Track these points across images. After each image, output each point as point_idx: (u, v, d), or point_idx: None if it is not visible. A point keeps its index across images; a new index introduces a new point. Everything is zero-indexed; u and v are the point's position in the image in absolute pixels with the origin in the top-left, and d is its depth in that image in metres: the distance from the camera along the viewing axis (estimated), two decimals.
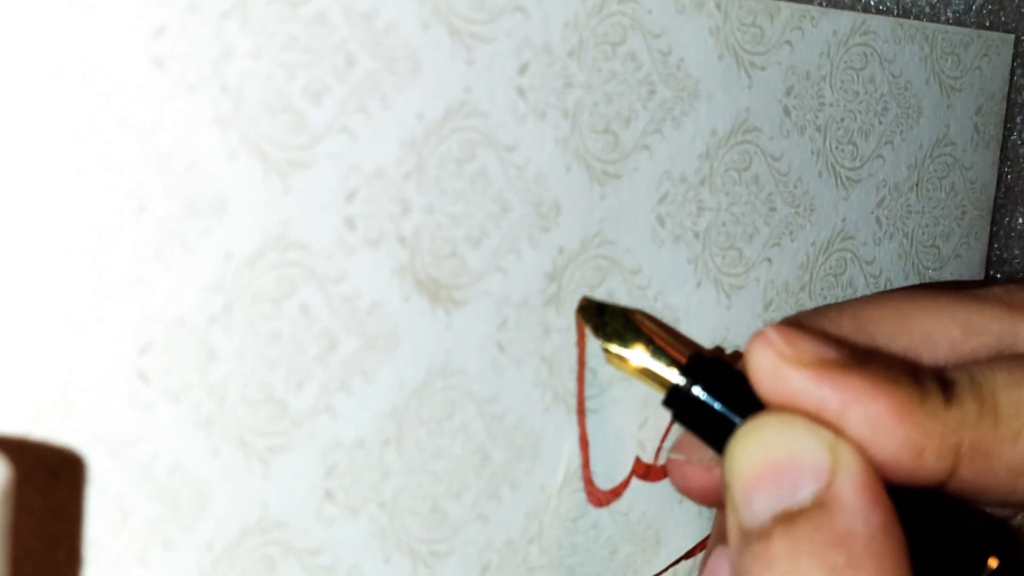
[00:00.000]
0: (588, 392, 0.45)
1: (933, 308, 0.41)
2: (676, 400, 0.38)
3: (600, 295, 0.45)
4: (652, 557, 0.48)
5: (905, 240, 0.57)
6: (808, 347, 0.35)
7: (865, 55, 0.53)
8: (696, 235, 0.48)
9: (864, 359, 0.35)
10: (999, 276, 0.65)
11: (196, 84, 0.34)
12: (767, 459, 0.33)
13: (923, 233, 0.58)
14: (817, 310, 0.42)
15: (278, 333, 0.36)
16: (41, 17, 0.31)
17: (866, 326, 0.41)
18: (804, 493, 0.33)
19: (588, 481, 0.45)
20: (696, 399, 0.37)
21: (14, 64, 0.31)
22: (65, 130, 0.32)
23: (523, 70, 0.41)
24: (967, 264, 0.61)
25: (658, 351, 0.39)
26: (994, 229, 0.64)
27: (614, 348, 0.40)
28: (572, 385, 0.44)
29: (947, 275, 0.60)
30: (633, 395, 0.46)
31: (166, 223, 0.34)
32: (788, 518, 0.33)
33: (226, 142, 0.34)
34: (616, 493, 0.46)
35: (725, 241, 0.49)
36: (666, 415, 0.48)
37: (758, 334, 0.35)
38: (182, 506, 0.35)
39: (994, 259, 0.65)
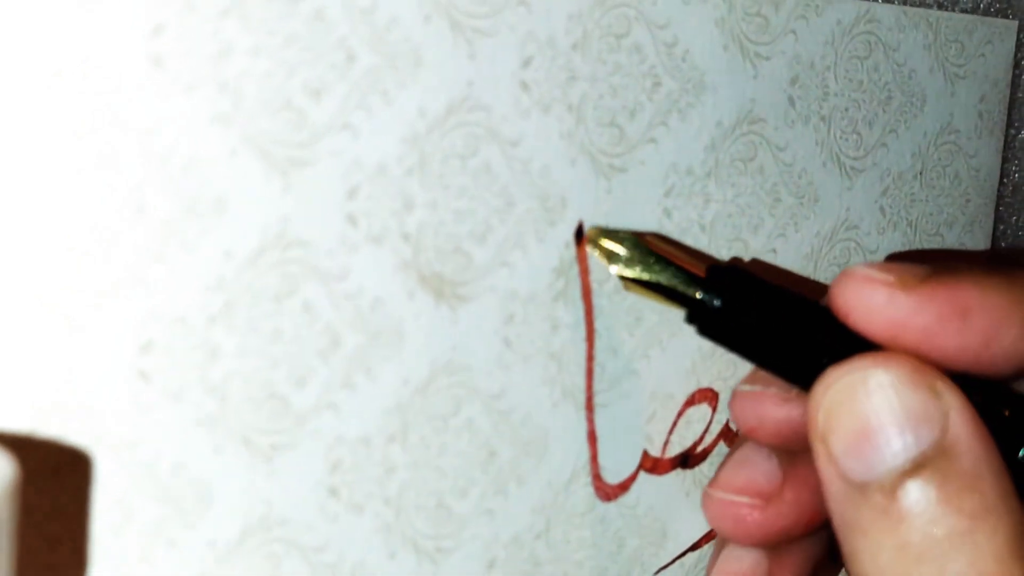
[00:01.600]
0: (597, 387, 0.45)
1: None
2: (702, 317, 0.38)
3: (608, 289, 0.44)
4: (659, 550, 0.48)
5: (909, 229, 0.57)
6: (906, 271, 0.35)
7: (869, 44, 0.53)
8: (703, 227, 0.47)
9: (951, 270, 0.35)
10: None
11: (195, 83, 0.34)
12: (876, 412, 0.33)
13: (927, 222, 0.58)
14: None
15: (280, 331, 0.36)
16: (39, 17, 0.31)
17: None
18: (923, 443, 0.32)
19: (596, 476, 0.45)
20: (728, 315, 0.37)
21: (13, 64, 0.31)
22: (64, 130, 0.32)
23: (527, 64, 0.41)
24: None
25: (676, 269, 0.39)
26: (1000, 228, 0.64)
27: (629, 273, 0.40)
28: (581, 381, 0.44)
29: None
30: (641, 389, 0.46)
31: (166, 222, 0.34)
32: (913, 470, 0.32)
33: (226, 140, 0.34)
34: (624, 487, 0.46)
35: (731, 233, 0.49)
36: (673, 409, 0.48)
37: (849, 274, 0.35)
38: (185, 505, 0.35)
39: (998, 246, 0.64)
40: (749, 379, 0.41)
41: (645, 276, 0.39)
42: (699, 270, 0.38)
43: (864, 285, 0.35)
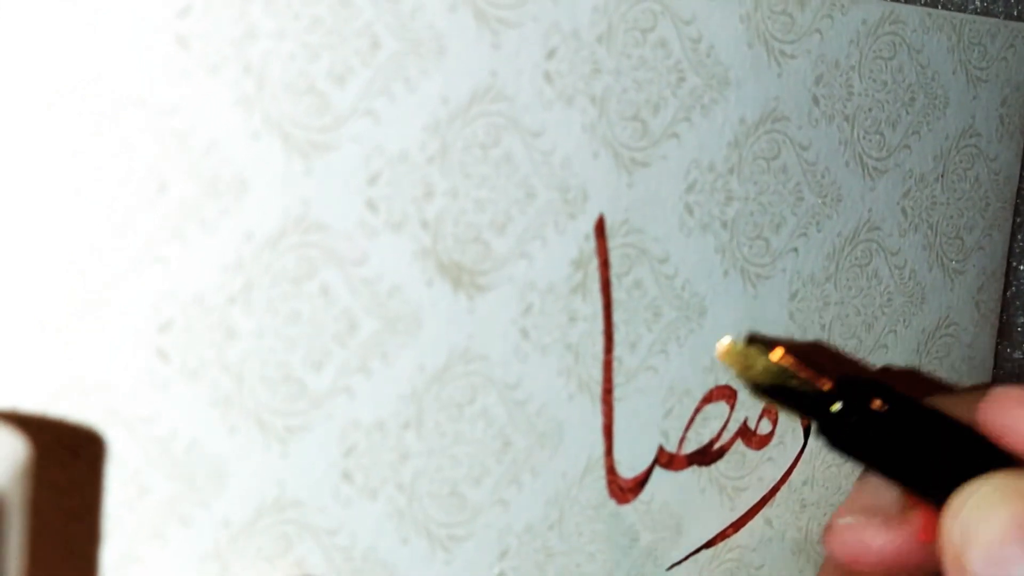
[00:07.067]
0: (614, 380, 0.45)
1: None
2: (833, 430, 0.37)
3: (627, 283, 0.45)
4: (672, 546, 0.48)
5: (930, 231, 0.57)
6: None
7: (894, 44, 0.53)
8: (724, 224, 0.47)
9: None
10: (1022, 268, 0.65)
11: (220, 64, 0.34)
12: (1019, 524, 0.31)
13: (947, 224, 0.58)
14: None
15: (297, 313, 0.36)
16: None
17: None
18: None
19: (611, 469, 0.45)
20: (861, 429, 0.37)
21: (39, 42, 0.31)
22: (88, 109, 0.32)
23: (551, 55, 0.41)
24: (990, 256, 0.60)
25: (804, 381, 0.38)
26: (1017, 221, 0.64)
27: (763, 381, 0.39)
28: (597, 373, 0.44)
29: (970, 267, 0.59)
30: (658, 384, 0.46)
31: (187, 202, 0.34)
32: None
33: (248, 123, 0.35)
34: (638, 486, 0.46)
35: (752, 230, 0.49)
36: (690, 405, 0.48)
37: (1006, 395, 0.35)
38: (199, 483, 0.35)
39: (1017, 251, 0.64)
40: (846, 511, 0.40)
41: (778, 382, 0.38)
42: (827, 384, 0.38)
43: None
